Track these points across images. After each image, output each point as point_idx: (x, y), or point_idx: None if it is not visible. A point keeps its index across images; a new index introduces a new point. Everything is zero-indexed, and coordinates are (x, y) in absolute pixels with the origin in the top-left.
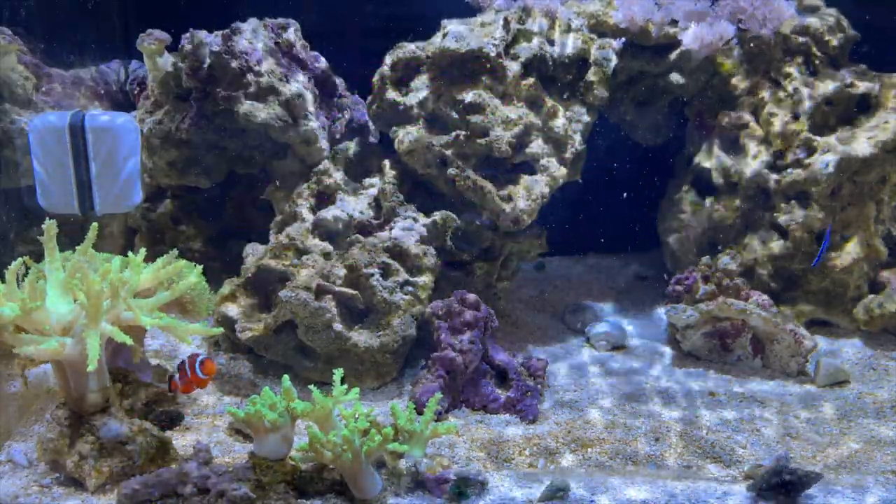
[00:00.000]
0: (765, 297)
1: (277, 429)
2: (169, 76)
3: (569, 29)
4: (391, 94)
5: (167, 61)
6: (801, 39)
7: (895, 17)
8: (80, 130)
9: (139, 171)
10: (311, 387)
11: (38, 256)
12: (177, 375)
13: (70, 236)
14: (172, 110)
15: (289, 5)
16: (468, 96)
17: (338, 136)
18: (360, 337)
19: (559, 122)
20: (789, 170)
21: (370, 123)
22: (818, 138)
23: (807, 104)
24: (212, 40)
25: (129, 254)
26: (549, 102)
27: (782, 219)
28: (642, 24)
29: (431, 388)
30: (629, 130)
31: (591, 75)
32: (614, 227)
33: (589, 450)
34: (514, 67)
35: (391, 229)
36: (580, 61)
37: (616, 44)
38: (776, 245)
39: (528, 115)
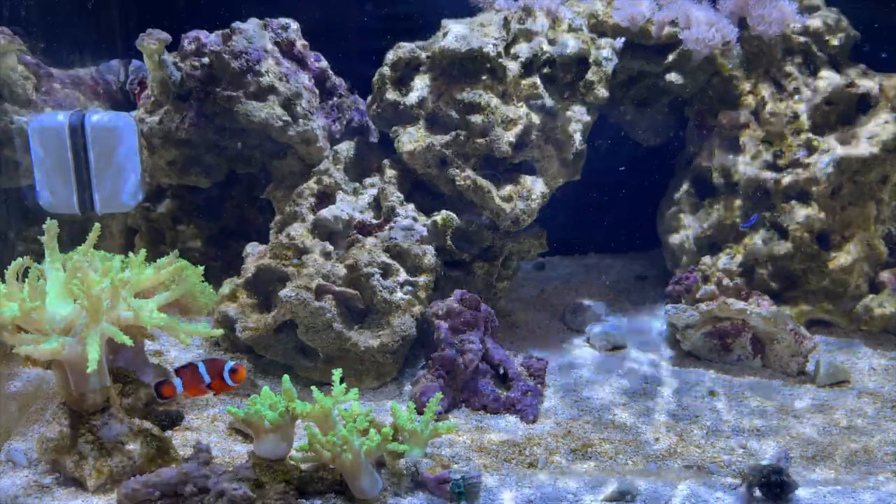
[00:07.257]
0: (765, 297)
1: (277, 429)
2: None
3: (569, 28)
4: (391, 94)
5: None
6: (801, 39)
7: (895, 17)
8: (80, 130)
9: (139, 170)
10: (312, 388)
11: (39, 256)
12: (177, 380)
13: (70, 236)
14: (172, 110)
15: (289, 5)
16: (468, 96)
17: (338, 136)
18: (360, 337)
19: (559, 122)
20: (789, 169)
21: (370, 123)
22: (818, 138)
23: (807, 104)
24: (212, 40)
25: (130, 254)
26: (550, 102)
27: (782, 219)
28: (642, 23)
29: (431, 387)
30: (629, 130)
31: (591, 75)
32: (614, 227)
33: (589, 449)
34: (514, 67)
35: (391, 229)
36: (580, 61)
37: (616, 44)
38: (776, 245)
39: (528, 114)
